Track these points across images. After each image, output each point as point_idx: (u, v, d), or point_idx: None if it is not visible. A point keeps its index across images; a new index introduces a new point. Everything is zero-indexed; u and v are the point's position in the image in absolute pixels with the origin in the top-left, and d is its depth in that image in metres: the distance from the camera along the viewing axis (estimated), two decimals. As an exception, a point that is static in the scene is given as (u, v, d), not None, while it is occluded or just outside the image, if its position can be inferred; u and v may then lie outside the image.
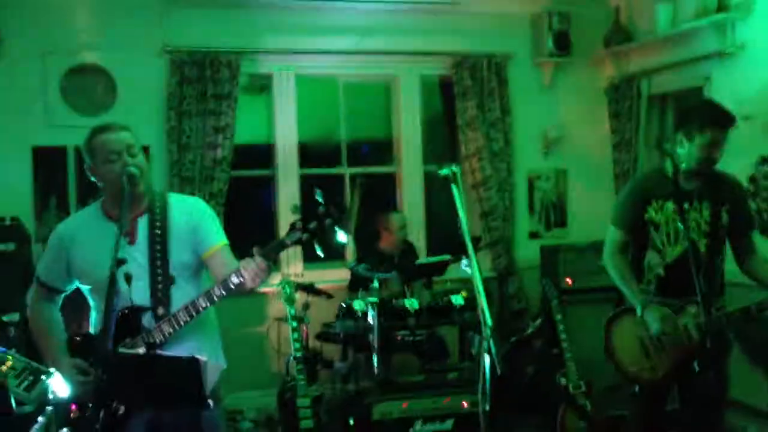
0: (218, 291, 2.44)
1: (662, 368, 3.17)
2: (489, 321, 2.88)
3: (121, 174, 2.52)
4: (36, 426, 3.14)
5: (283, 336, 5.11)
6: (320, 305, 5.18)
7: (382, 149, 6.34)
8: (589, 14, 6.08)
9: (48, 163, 5.12)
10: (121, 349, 2.25)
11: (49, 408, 3.31)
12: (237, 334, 5.49)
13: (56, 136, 5.09)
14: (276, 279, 4.79)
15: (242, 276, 2.37)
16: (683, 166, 3.14)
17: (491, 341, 2.83)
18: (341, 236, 2.38)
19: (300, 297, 4.86)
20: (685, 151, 3.13)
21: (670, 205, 3.17)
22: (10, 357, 2.65)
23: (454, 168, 3.20)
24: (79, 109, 5.22)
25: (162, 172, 5.34)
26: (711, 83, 5.11)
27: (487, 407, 3.05)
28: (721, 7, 4.86)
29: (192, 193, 5.30)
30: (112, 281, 2.27)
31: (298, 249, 5.76)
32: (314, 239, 2.33)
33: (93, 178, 2.65)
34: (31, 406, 3.10)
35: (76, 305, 2.80)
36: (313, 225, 2.32)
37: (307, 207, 2.37)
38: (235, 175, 5.52)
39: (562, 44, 5.95)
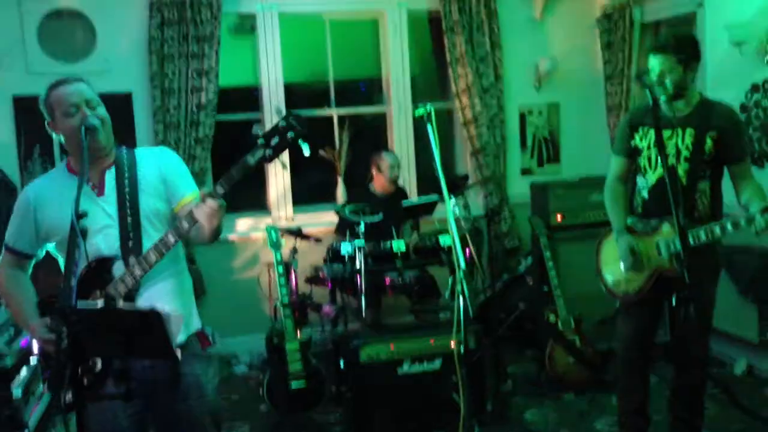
0: (186, 224, 2.39)
1: (636, 283, 3.33)
2: (462, 264, 2.87)
3: (80, 126, 2.46)
4: (19, 377, 3.18)
5: (273, 281, 5.12)
6: (310, 249, 5.17)
7: (372, 89, 6.23)
8: (580, -59, 5.90)
9: (30, 113, 5.03)
10: (80, 305, 2.23)
11: (34, 360, 3.35)
12: (230, 280, 5.56)
13: (37, 84, 4.96)
14: (263, 224, 4.78)
15: (195, 219, 2.34)
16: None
17: (464, 283, 2.82)
18: (305, 150, 2.33)
19: (288, 241, 4.84)
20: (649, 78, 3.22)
21: (653, 132, 3.25)
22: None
23: (429, 107, 3.17)
24: (59, 56, 5.13)
25: (146, 118, 5.27)
26: (704, 9, 4.96)
27: (467, 347, 3.07)
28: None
29: (178, 139, 5.26)
30: (72, 234, 2.23)
31: (288, 193, 5.74)
32: (277, 154, 2.28)
33: (54, 135, 2.59)
34: (11, 359, 3.14)
35: (49, 270, 2.77)
36: (275, 140, 2.28)
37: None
38: (221, 120, 5.45)
39: (553, -27, 5.77)
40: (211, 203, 2.30)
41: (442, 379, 4.02)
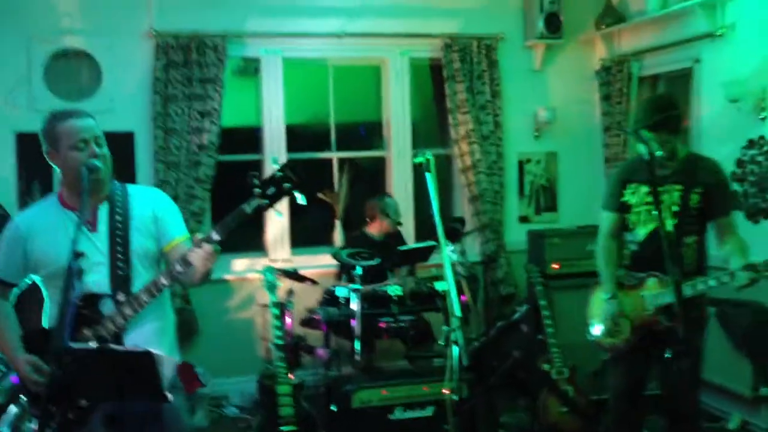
0: (179, 267, 2.41)
1: (624, 335, 3.39)
2: (458, 312, 2.87)
3: (85, 164, 2.49)
4: (7, 415, 3.15)
5: (268, 322, 5.11)
6: (307, 291, 5.17)
7: (373, 133, 6.29)
8: (580, -5, 6.02)
9: (32, 149, 5.04)
10: (73, 345, 2.24)
11: (24, 398, 3.33)
12: (224, 320, 5.54)
13: (40, 121, 5.05)
14: (260, 265, 4.79)
15: (189, 263, 2.36)
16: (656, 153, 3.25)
17: (458, 330, 2.82)
18: (300, 200, 2.37)
19: (284, 283, 4.84)
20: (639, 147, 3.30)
21: (644, 188, 3.35)
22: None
23: (428, 155, 3.21)
24: (64, 95, 5.19)
25: (147, 157, 5.32)
26: (701, 65, 5.04)
27: (460, 396, 3.06)
28: (711, -12, 4.79)
29: (178, 179, 5.30)
30: (69, 274, 2.25)
31: (286, 235, 5.77)
32: (273, 203, 2.33)
33: (51, 163, 2.62)
34: (1, 396, 3.12)
35: (33, 299, 2.77)
36: (271, 190, 2.32)
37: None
38: (222, 160, 5.50)
39: (554, 26, 5.86)
40: (207, 248, 2.33)
41: (434, 426, 4.00)
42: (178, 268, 2.41)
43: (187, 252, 2.39)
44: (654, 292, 3.27)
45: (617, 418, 3.56)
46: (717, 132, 4.89)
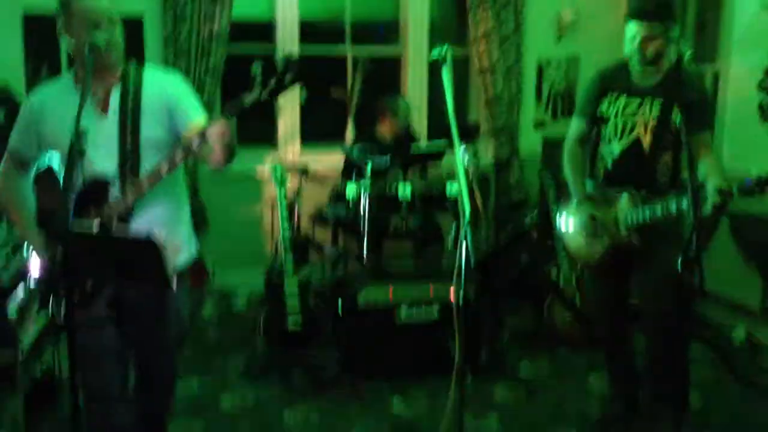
0: (179, 152, 2.38)
1: (597, 253, 3.30)
2: (468, 210, 2.81)
3: (97, 45, 2.42)
4: (16, 300, 3.19)
5: (277, 218, 5.09)
6: (316, 189, 5.12)
7: (389, 32, 6.09)
8: None
9: (40, 32, 4.96)
10: (76, 228, 2.21)
11: (32, 281, 3.35)
12: (233, 215, 5.52)
13: (47, 2, 4.89)
14: (269, 159, 4.73)
15: (205, 137, 2.32)
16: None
17: (468, 232, 2.77)
18: (301, 96, 2.32)
19: (293, 179, 4.79)
20: (625, 44, 3.15)
21: (622, 99, 3.22)
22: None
23: (446, 49, 3.07)
24: (70, -24, 5.00)
25: (156, 44, 5.17)
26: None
27: (467, 297, 3.04)
28: None
29: (188, 69, 5.17)
30: (71, 153, 2.20)
31: (296, 131, 5.67)
32: (272, 96, 2.27)
33: (63, 40, 2.54)
34: (7, 277, 3.14)
35: (48, 180, 2.77)
36: (272, 82, 2.26)
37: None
38: (233, 52, 5.34)
39: None
40: (223, 122, 2.30)
41: (438, 327, 4.02)
42: (196, 141, 2.36)
43: (205, 127, 2.35)
44: (626, 212, 3.15)
45: (605, 329, 3.58)
46: (748, 40, 4.69)
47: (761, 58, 4.51)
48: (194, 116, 2.59)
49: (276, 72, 2.26)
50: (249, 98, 2.28)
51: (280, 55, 2.36)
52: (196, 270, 2.83)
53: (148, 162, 2.51)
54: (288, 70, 2.25)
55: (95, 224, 2.37)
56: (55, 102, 2.56)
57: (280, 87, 2.26)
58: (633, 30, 3.06)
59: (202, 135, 2.35)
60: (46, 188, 2.79)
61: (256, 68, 2.28)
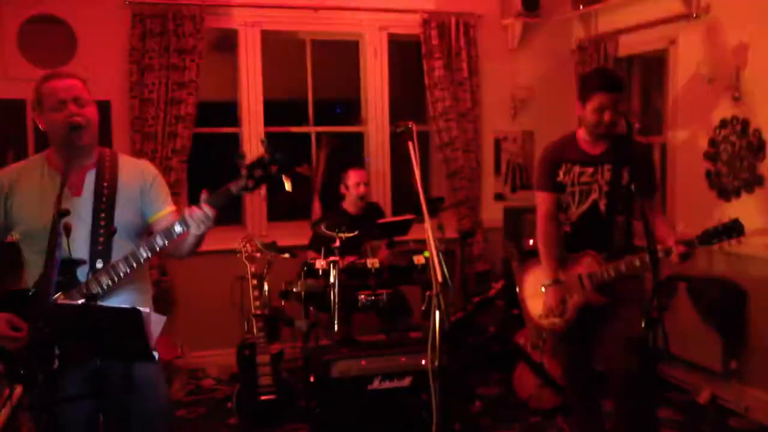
0: (160, 240, 2.43)
1: (564, 319, 3.45)
2: (440, 278, 2.91)
3: (65, 124, 2.48)
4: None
5: (246, 295, 5.10)
6: (285, 263, 5.16)
7: (350, 110, 6.28)
8: (558, -26, 6.04)
9: (5, 117, 5.01)
10: (60, 301, 2.22)
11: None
12: (201, 292, 5.50)
13: (14, 89, 4.97)
14: (238, 238, 4.77)
15: (186, 223, 2.37)
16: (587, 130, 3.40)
17: (440, 298, 2.86)
18: (287, 184, 2.37)
19: (263, 255, 4.83)
20: (583, 115, 3.37)
21: (575, 169, 3.43)
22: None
23: (410, 126, 3.24)
24: (38, 62, 5.09)
25: (124, 127, 5.26)
26: (677, 46, 5.10)
27: (440, 362, 3.09)
28: (688, -31, 4.84)
29: (155, 149, 5.25)
30: (54, 231, 2.23)
31: (263, 208, 5.75)
32: (259, 186, 2.33)
33: (40, 126, 2.61)
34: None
35: (9, 261, 2.75)
36: (258, 173, 2.31)
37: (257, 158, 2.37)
38: (199, 132, 5.45)
39: (531, 4, 5.90)
40: (208, 209, 2.35)
41: (411, 396, 4.04)
42: (178, 228, 2.40)
43: (185, 212, 2.39)
44: (590, 271, 3.34)
45: (573, 393, 3.69)
46: (691, 112, 4.97)
47: (705, 129, 4.77)
48: (164, 205, 2.67)
49: (261, 162, 2.31)
50: (236, 187, 2.35)
51: (265, 143, 2.41)
52: (166, 347, 2.81)
53: (118, 246, 2.54)
54: (274, 161, 2.31)
55: (77, 299, 2.37)
56: (27, 179, 2.58)
57: (267, 178, 2.32)
58: (598, 101, 3.28)
59: (184, 221, 2.39)
60: (7, 268, 2.79)
61: (239, 158, 2.34)
